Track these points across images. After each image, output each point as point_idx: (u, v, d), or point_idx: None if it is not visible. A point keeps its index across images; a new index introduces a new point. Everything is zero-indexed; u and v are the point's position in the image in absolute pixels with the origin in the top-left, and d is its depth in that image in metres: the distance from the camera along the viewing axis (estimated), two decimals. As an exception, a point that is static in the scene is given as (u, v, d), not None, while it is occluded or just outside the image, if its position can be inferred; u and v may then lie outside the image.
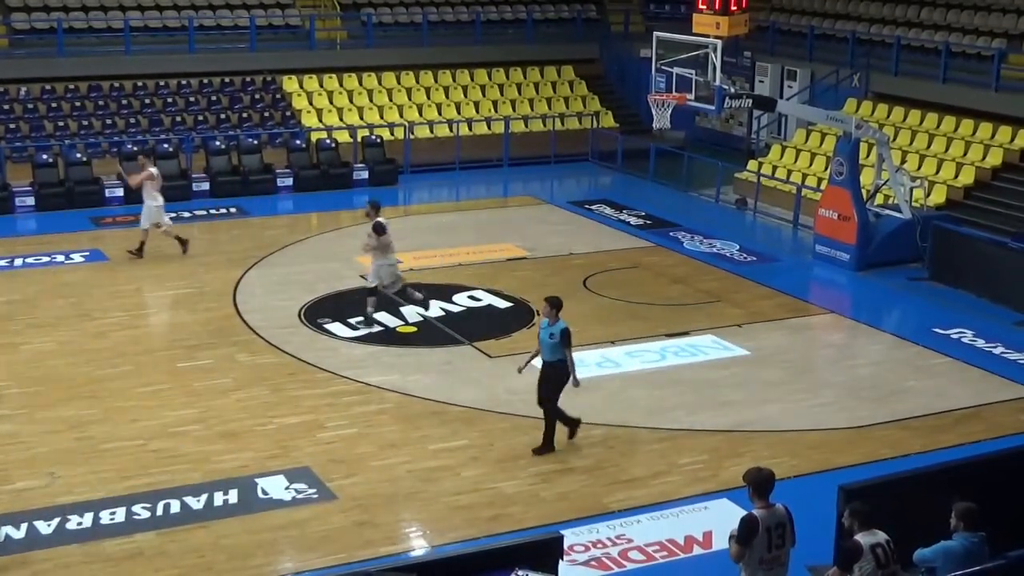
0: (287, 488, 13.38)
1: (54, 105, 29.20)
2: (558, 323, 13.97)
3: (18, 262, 21.80)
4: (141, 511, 12.77)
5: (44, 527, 12.42)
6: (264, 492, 13.30)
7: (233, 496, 13.19)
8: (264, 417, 15.36)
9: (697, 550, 12.30)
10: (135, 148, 27.39)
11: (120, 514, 12.71)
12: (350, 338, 18.27)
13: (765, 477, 9.63)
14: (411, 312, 19.26)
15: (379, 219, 18.37)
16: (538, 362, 14.37)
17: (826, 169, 25.48)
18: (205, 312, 19.40)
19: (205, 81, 30.89)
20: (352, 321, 18.75)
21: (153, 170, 22.04)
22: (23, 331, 18.48)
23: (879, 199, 23.73)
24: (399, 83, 32.31)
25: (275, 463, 14.00)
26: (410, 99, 32.03)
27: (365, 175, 28.62)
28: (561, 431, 14.41)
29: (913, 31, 29.42)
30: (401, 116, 31.32)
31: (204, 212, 25.80)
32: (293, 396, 16.09)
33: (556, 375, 14.10)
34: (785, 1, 33.77)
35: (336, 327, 18.67)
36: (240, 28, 31.77)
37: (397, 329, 18.73)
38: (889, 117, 27.95)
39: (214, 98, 30.55)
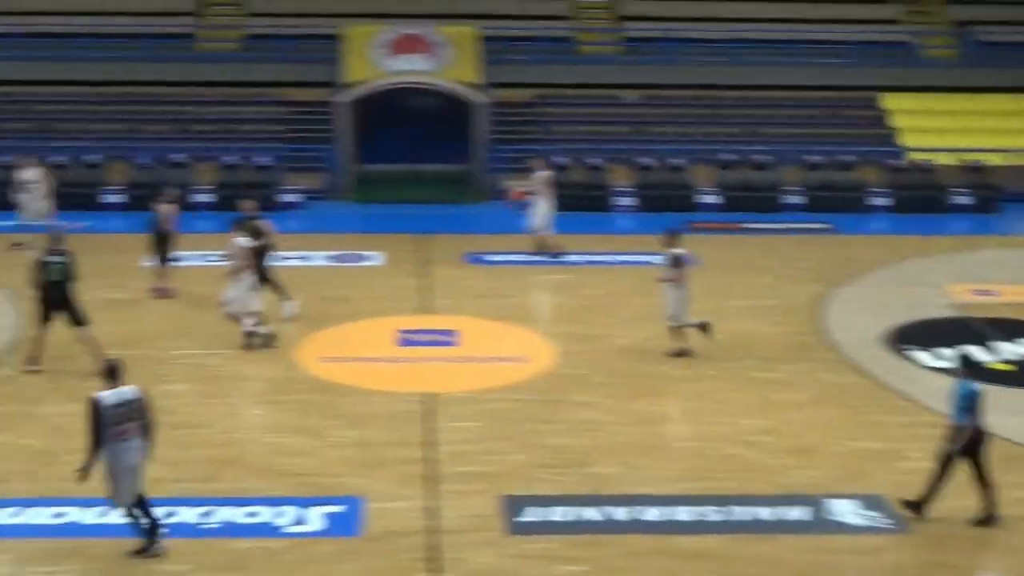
0: (858, 513, 12.87)
1: (659, 111, 30.43)
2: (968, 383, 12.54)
3: (616, 259, 22.76)
4: (711, 513, 12.80)
5: (620, 513, 12.77)
6: (833, 513, 12.88)
7: (800, 512, 12.88)
8: (838, 438, 14.92)
9: None
10: (731, 157, 27.98)
11: (690, 512, 12.80)
12: (935, 368, 17.35)
13: None
14: (1010, 349, 17.97)
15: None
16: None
17: None
18: (786, 325, 19.25)
19: (801, 94, 30.85)
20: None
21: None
22: (612, 324, 19.27)
23: None
24: (1015, 106, 30.41)
25: (846, 486, 13.53)
26: (1024, 124, 30.10)
27: (965, 200, 27.35)
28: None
29: None
30: (1013, 142, 29.45)
31: (794, 226, 25.66)
32: (872, 421, 15.50)
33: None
34: None
35: (921, 355, 17.82)
36: (840, 43, 31.37)
37: (990, 366, 17.51)
38: None
39: (810, 112, 30.42)
